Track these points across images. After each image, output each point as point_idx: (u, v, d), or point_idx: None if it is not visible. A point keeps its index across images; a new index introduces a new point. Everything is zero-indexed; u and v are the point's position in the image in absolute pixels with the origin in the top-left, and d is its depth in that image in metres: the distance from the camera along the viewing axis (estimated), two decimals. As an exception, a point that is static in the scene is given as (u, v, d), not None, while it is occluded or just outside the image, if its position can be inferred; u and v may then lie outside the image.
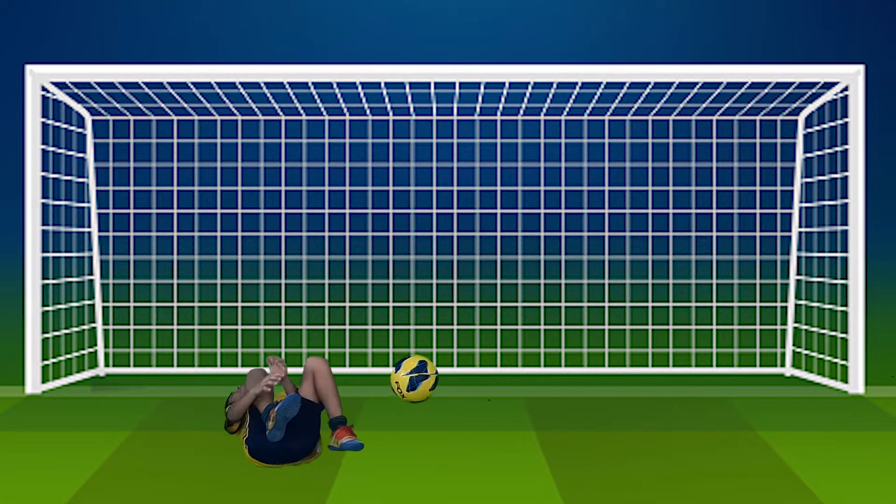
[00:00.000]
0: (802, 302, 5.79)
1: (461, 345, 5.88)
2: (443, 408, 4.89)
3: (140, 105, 5.64)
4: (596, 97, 5.51)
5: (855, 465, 3.85)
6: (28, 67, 5.18)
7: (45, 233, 5.33)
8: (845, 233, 5.31)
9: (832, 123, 5.50)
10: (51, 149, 5.41)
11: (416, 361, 4.97)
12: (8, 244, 6.01)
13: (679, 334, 5.86)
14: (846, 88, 5.28)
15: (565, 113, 5.83)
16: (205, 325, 5.89)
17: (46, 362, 5.36)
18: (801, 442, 4.18)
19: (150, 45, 6.53)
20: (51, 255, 5.42)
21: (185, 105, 5.63)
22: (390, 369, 5.77)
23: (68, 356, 5.55)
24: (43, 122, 5.31)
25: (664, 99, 5.53)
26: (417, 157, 6.00)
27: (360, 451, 4.03)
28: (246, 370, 5.74)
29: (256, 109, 5.76)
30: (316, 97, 5.48)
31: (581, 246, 6.00)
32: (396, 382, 4.92)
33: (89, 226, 5.83)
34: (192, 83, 5.24)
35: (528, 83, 5.26)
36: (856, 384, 5.21)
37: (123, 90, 5.37)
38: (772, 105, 5.66)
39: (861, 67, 5.15)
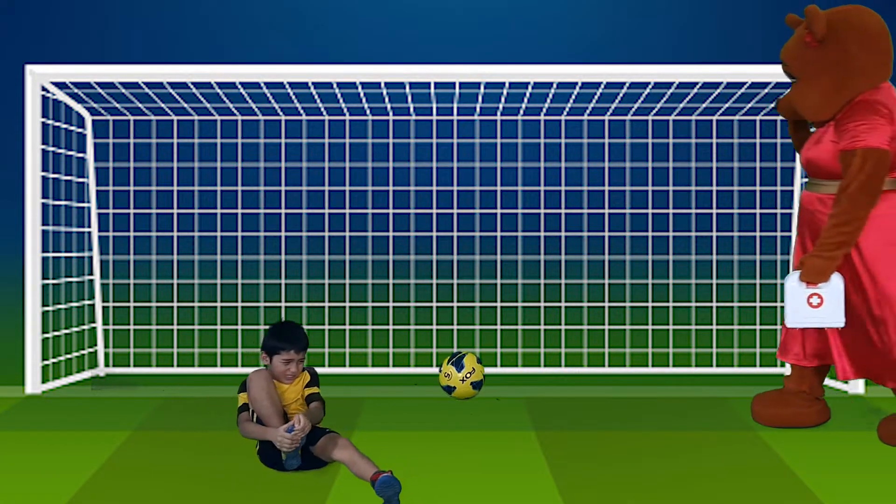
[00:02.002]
0: (802, 302, 5.78)
1: (461, 345, 5.88)
2: (443, 408, 4.89)
3: (140, 105, 5.64)
4: (596, 97, 5.50)
5: (855, 465, 3.85)
6: (28, 67, 5.17)
7: (45, 233, 5.33)
8: (845, 233, 5.30)
9: (832, 123, 5.48)
10: (51, 149, 5.41)
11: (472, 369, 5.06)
12: (8, 244, 6.00)
13: (679, 334, 5.85)
14: (846, 88, 5.27)
15: (565, 113, 5.83)
16: (205, 325, 5.89)
17: (46, 362, 5.36)
18: (801, 442, 4.18)
19: (149, 44, 6.53)
20: (51, 255, 5.41)
21: (185, 105, 5.63)
22: (390, 369, 5.77)
23: (68, 356, 5.55)
24: (43, 123, 5.31)
25: (664, 99, 5.53)
26: (417, 157, 5.99)
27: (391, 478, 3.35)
28: (247, 370, 5.72)
29: (256, 109, 5.75)
30: (316, 97, 5.48)
31: (581, 246, 5.99)
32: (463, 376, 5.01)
33: (89, 226, 5.83)
34: (192, 83, 5.24)
35: (528, 83, 5.25)
36: (856, 384, 5.21)
37: (123, 90, 5.37)
38: (772, 105, 5.65)
39: (861, 67, 5.14)
